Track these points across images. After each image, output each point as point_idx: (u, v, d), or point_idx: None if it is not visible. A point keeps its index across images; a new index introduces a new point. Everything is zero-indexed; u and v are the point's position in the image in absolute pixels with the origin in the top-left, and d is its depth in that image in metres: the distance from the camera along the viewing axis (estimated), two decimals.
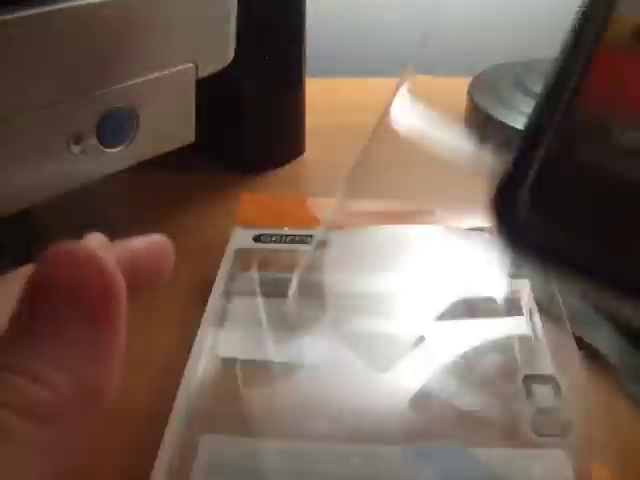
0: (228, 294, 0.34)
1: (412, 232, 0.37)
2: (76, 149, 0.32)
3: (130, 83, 0.33)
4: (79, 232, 0.40)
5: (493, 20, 0.72)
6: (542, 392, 0.29)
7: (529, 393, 0.29)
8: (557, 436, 0.28)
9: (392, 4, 0.71)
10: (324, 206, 0.40)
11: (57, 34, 0.29)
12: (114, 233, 0.41)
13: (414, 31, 0.73)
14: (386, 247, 0.36)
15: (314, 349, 0.31)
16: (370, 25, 0.72)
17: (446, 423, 0.28)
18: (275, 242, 0.37)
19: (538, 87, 0.65)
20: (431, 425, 0.28)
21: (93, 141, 0.32)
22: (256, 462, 0.27)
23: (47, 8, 0.28)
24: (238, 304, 0.34)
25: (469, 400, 0.29)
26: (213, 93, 0.37)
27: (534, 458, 0.27)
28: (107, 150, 0.33)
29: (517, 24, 0.72)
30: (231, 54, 0.36)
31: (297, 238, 0.37)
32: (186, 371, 0.29)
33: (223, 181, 0.46)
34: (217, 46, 0.36)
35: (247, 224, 0.38)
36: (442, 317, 0.32)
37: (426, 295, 0.34)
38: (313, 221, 0.39)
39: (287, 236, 0.37)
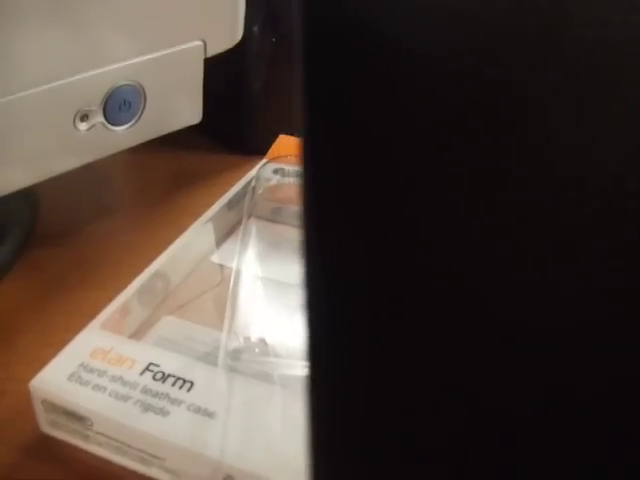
0: (247, 214, 0.36)
1: None
2: (82, 126, 0.31)
3: (137, 60, 0.32)
4: (82, 210, 0.39)
5: None
6: None
7: None
8: None
9: None
10: None
11: (63, 9, 0.28)
12: (114, 212, 0.41)
13: None
14: None
15: None
16: None
17: None
18: (291, 177, 0.38)
19: None
20: None
21: (99, 119, 0.32)
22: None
23: None
24: (255, 225, 0.35)
25: None
26: (218, 74, 0.36)
27: None
28: (113, 128, 0.33)
29: None
30: (240, 33, 0.36)
31: None
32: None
33: (226, 163, 0.46)
34: (226, 24, 0.35)
35: (276, 159, 0.40)
36: None
37: None
38: None
39: None
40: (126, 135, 0.33)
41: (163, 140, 0.36)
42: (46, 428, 0.27)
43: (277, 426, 0.24)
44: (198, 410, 0.24)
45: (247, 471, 0.23)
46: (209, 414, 0.24)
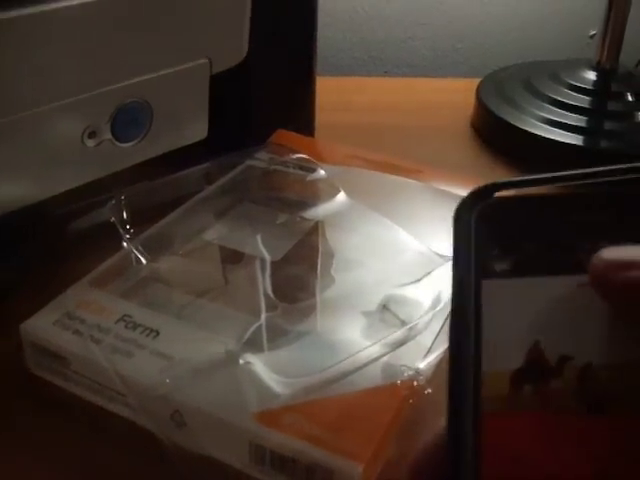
0: (240, 199, 0.38)
1: (400, 183, 0.40)
2: (90, 143, 0.32)
3: (145, 77, 0.32)
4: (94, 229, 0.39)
5: (502, 22, 0.72)
6: None
7: None
8: None
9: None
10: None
11: (72, 29, 0.29)
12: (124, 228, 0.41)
13: (425, 30, 0.73)
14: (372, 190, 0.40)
15: None
16: (376, 24, 0.72)
17: None
18: (283, 166, 0.41)
19: (547, 89, 0.63)
20: None
21: (107, 135, 0.32)
22: None
23: (64, 3, 0.28)
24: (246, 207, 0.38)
25: None
26: (222, 86, 0.37)
27: None
28: (121, 145, 0.33)
29: (525, 26, 0.72)
30: (245, 50, 0.36)
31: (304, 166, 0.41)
32: None
33: None
34: (232, 42, 0.36)
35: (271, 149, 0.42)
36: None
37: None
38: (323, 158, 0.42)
39: (295, 164, 0.41)
40: (134, 151, 0.34)
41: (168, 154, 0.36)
42: (33, 368, 0.30)
43: (222, 368, 0.27)
44: (158, 354, 0.28)
45: (193, 406, 0.26)
46: (167, 358, 0.28)
